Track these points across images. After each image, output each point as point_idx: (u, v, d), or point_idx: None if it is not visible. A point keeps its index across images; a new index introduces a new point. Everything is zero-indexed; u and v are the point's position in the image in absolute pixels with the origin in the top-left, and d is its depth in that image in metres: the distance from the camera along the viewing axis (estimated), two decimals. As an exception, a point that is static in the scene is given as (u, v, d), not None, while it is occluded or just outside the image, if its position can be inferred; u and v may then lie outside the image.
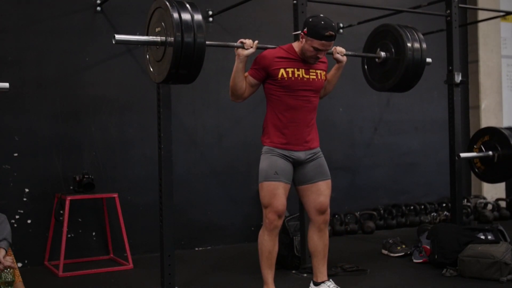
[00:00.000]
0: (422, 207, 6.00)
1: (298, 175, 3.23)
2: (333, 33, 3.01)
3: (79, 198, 4.23)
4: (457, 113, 4.56)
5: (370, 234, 5.51)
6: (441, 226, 4.38)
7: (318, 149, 3.28)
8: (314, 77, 3.18)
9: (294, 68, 3.13)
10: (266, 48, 3.21)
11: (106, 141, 4.61)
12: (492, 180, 4.73)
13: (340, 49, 3.35)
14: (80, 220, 4.50)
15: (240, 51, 3.08)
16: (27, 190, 4.32)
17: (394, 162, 6.11)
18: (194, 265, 4.30)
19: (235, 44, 3.11)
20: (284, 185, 3.13)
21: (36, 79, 4.38)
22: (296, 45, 3.18)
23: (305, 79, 3.15)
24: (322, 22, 3.02)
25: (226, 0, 4.88)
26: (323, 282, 3.28)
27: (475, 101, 6.65)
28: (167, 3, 2.78)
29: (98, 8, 4.58)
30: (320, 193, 3.22)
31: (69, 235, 4.40)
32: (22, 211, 4.29)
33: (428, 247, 4.13)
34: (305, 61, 3.15)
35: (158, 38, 2.86)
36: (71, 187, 4.40)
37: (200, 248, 4.96)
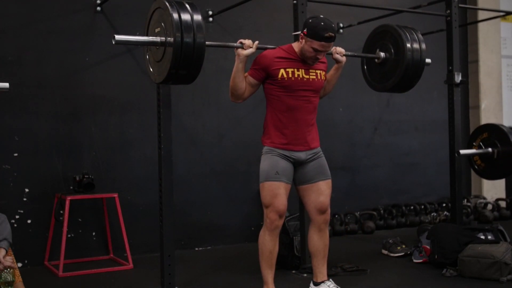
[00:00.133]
0: (422, 207, 6.00)
1: (299, 175, 3.23)
2: (333, 34, 3.02)
3: (79, 198, 4.24)
4: (457, 113, 4.56)
5: (370, 234, 5.51)
6: (441, 226, 4.38)
7: (319, 149, 3.29)
8: (314, 77, 3.19)
9: (294, 68, 3.13)
10: (266, 49, 3.21)
11: (106, 141, 4.61)
12: (492, 176, 4.77)
13: (339, 49, 3.35)
14: (80, 220, 4.50)
15: (239, 51, 3.08)
16: (27, 190, 4.32)
17: (394, 162, 6.11)
18: (194, 265, 4.30)
19: (235, 44, 3.11)
20: (285, 185, 3.14)
21: (36, 79, 4.38)
22: (295, 46, 3.19)
23: (305, 79, 3.15)
24: (322, 23, 3.02)
25: (226, 0, 4.88)
26: (323, 282, 3.28)
27: (475, 101, 6.65)
28: (167, 4, 2.78)
29: (98, 8, 4.58)
30: (320, 193, 3.22)
31: (69, 235, 4.40)
32: (22, 211, 4.29)
33: (428, 247, 4.13)
34: (305, 61, 3.15)
35: (158, 39, 2.86)
36: (71, 187, 4.40)
37: (200, 248, 4.97)
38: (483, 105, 6.54)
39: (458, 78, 4.53)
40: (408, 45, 3.71)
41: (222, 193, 5.11)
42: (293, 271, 3.99)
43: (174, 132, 3.54)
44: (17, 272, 2.91)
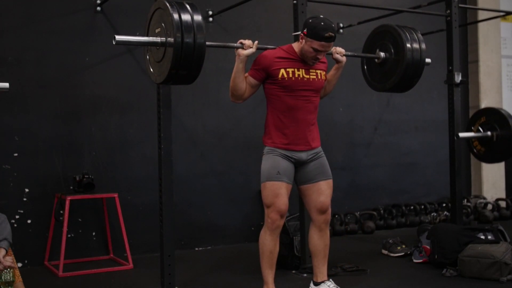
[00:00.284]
0: (422, 207, 6.00)
1: (300, 175, 3.23)
2: (333, 34, 3.02)
3: (79, 198, 4.24)
4: (457, 113, 4.56)
5: (370, 234, 5.51)
6: (441, 226, 4.37)
7: (320, 148, 3.29)
8: (314, 77, 3.19)
9: (294, 68, 3.13)
10: (266, 49, 3.21)
11: (106, 141, 4.61)
12: (492, 160, 4.83)
13: (339, 49, 3.36)
14: (80, 220, 4.50)
15: (240, 51, 3.08)
16: (27, 190, 4.32)
17: (394, 162, 6.11)
18: (194, 265, 4.30)
19: (235, 45, 3.11)
20: (286, 185, 3.14)
21: (36, 79, 4.38)
22: (296, 46, 3.19)
23: (305, 79, 3.15)
24: (322, 23, 3.02)
25: (226, 0, 4.88)
26: (323, 282, 3.28)
27: (475, 101, 6.65)
28: (167, 4, 2.78)
29: (98, 8, 4.58)
30: (320, 192, 3.22)
31: (69, 235, 4.40)
32: (22, 211, 4.29)
33: (428, 247, 4.13)
34: (305, 61, 3.16)
35: (158, 39, 2.86)
36: (71, 187, 4.40)
37: (200, 248, 4.97)
38: (483, 105, 6.54)
39: (458, 78, 4.53)
40: (408, 45, 3.71)
41: (222, 193, 5.11)
42: (293, 271, 3.99)
43: (174, 132, 3.54)
44: (17, 272, 2.91)
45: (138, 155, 4.73)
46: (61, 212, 4.26)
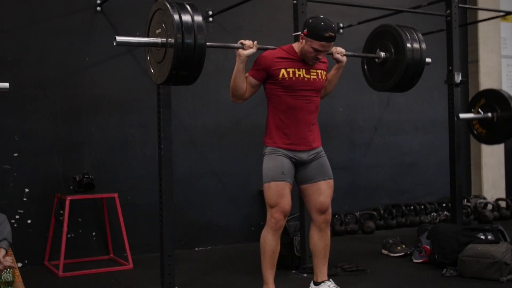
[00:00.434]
0: (422, 207, 6.00)
1: (300, 175, 3.24)
2: (333, 34, 3.02)
3: (79, 198, 4.24)
4: (457, 113, 4.56)
5: (370, 234, 5.51)
6: (441, 226, 4.37)
7: (321, 148, 3.29)
8: (315, 77, 3.19)
9: (295, 68, 3.13)
10: (266, 49, 3.21)
11: (106, 141, 4.61)
12: (492, 141, 4.85)
13: (340, 49, 3.36)
14: (80, 220, 4.50)
15: (240, 51, 3.08)
16: (27, 190, 4.32)
17: (394, 162, 6.11)
18: (194, 265, 4.30)
19: (235, 45, 3.11)
20: (290, 185, 3.15)
21: (36, 79, 4.37)
22: (296, 46, 3.19)
23: (306, 79, 3.16)
24: (322, 23, 3.02)
25: (226, 0, 4.88)
26: (323, 281, 3.28)
27: (475, 101, 6.65)
28: (168, 5, 2.78)
29: (98, 8, 4.58)
30: (321, 192, 3.22)
31: (69, 235, 4.40)
32: (22, 211, 4.29)
33: (428, 247, 4.13)
34: (305, 61, 3.16)
35: (158, 40, 2.86)
36: (71, 187, 4.40)
37: (200, 248, 4.97)
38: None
39: (458, 78, 4.53)
40: (408, 44, 3.71)
41: (222, 193, 5.11)
42: (293, 271, 3.99)
43: (174, 132, 3.54)
44: (17, 272, 2.91)
45: (138, 155, 4.73)
46: (61, 212, 4.26)
